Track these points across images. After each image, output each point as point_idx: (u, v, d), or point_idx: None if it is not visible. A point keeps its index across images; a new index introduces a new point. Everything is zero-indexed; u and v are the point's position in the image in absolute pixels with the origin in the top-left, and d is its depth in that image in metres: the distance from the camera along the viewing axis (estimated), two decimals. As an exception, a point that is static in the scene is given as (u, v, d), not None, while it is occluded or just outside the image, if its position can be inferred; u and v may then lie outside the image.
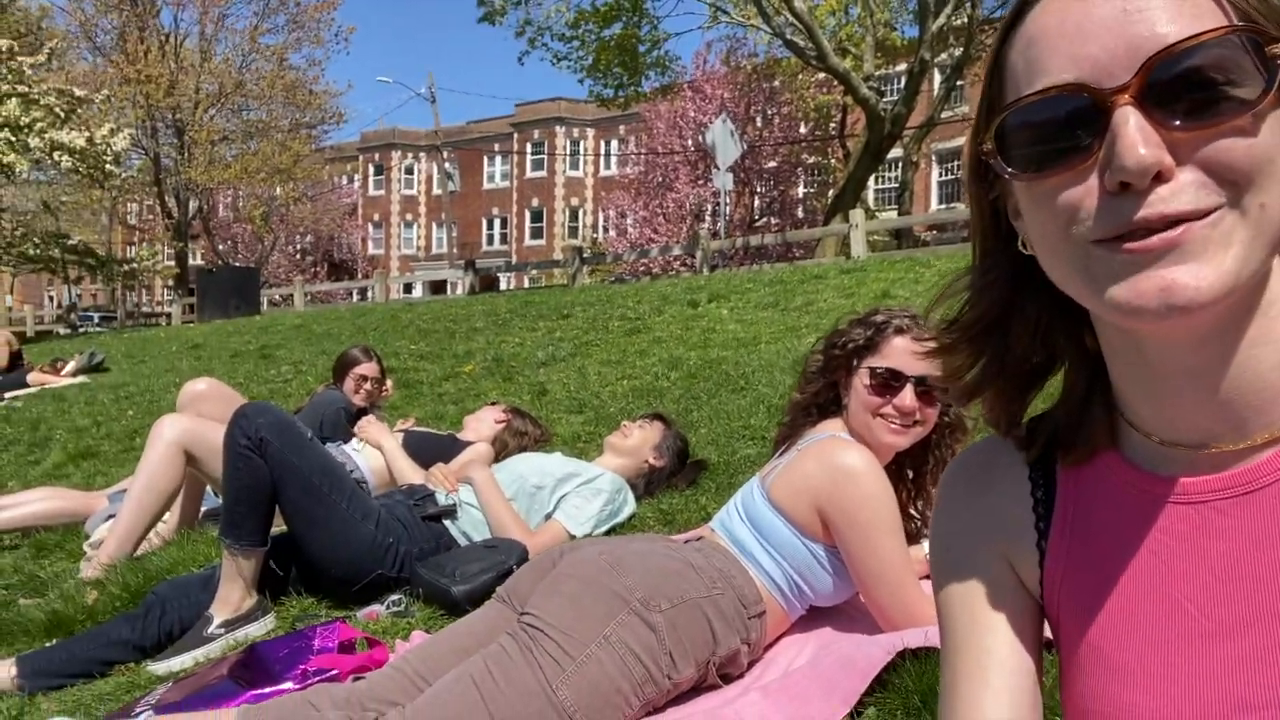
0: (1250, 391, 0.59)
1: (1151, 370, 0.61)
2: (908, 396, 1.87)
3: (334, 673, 1.92)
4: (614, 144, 37.23)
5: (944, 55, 17.93)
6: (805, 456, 1.90)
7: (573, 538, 2.67)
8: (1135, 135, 0.52)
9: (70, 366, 9.30)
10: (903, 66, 20.41)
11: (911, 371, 1.88)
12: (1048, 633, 0.72)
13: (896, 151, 19.29)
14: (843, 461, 1.83)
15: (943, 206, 27.33)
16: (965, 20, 17.02)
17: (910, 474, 2.07)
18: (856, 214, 12.63)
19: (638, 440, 3.03)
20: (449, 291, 26.97)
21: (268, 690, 1.84)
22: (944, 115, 20.74)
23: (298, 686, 1.85)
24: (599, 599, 1.68)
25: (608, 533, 2.72)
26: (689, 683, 1.72)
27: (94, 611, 2.63)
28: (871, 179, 20.59)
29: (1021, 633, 0.71)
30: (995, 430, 0.73)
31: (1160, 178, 0.52)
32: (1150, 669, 0.61)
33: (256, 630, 2.40)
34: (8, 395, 8.30)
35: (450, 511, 2.73)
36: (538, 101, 38.81)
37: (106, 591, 2.69)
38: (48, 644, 2.49)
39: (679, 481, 2.99)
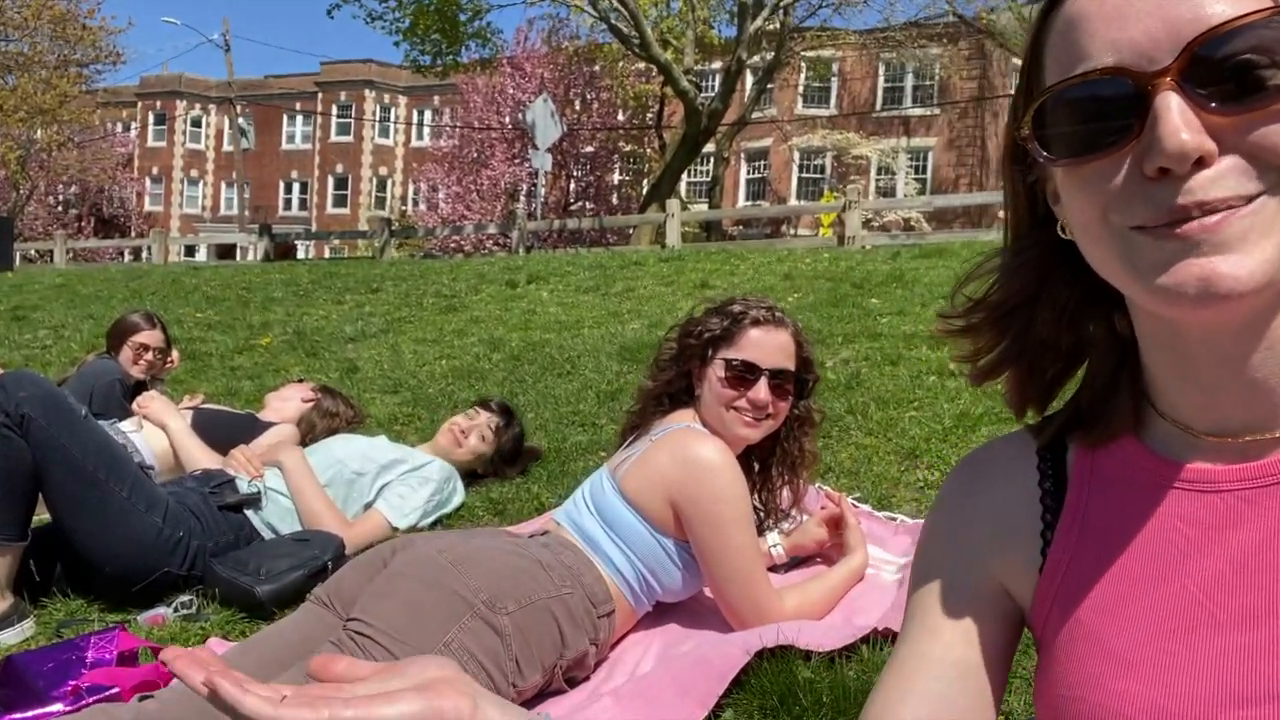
0: None
1: (1187, 357, 0.60)
2: (762, 390, 1.84)
3: (114, 690, 1.64)
4: (428, 114, 35.88)
5: (757, 58, 18.57)
6: (658, 448, 1.82)
7: (395, 530, 2.47)
8: (1176, 120, 0.51)
9: None
10: (718, 64, 21.00)
11: (767, 364, 1.85)
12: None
13: (710, 147, 19.83)
14: (697, 454, 1.77)
15: (749, 203, 28.45)
16: (778, 26, 17.72)
17: (756, 466, 2.05)
18: (673, 204, 12.85)
19: (463, 425, 2.85)
20: (239, 257, 25.07)
21: (31, 714, 1.55)
22: (754, 116, 21.60)
23: (69, 708, 1.57)
24: (439, 602, 1.53)
25: (434, 525, 2.54)
26: (534, 689, 1.60)
27: None
28: (684, 172, 21.07)
29: (975, 641, 0.69)
30: (1015, 414, 0.72)
31: (1201, 163, 0.51)
32: (1150, 657, 0.59)
33: (12, 638, 2.05)
34: None
35: (253, 500, 2.45)
36: (347, 61, 36.68)
37: None
38: None
39: (510, 470, 2.85)
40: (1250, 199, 0.51)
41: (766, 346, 1.86)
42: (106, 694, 1.63)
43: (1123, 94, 0.53)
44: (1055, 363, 0.69)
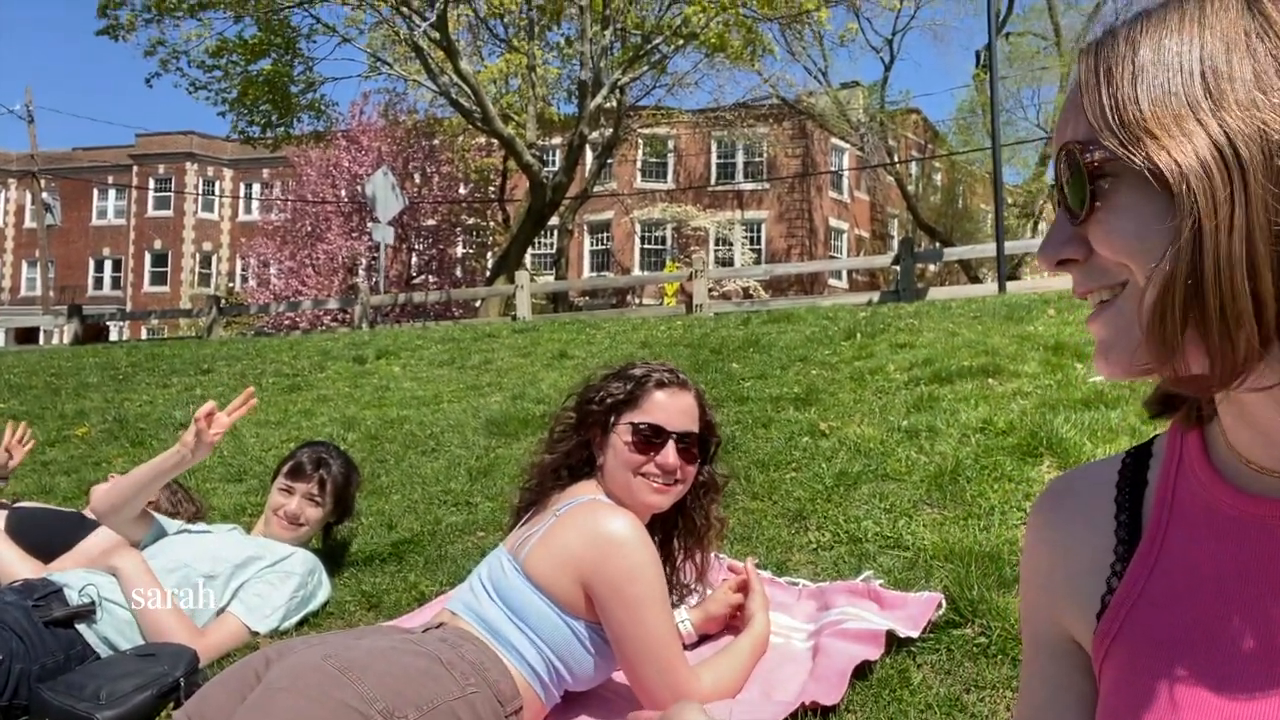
0: None
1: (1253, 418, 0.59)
2: (670, 454, 1.78)
3: None
4: (256, 187, 34.45)
5: (596, 134, 19.05)
6: (564, 525, 1.71)
7: (255, 635, 2.22)
8: None
9: None
10: (559, 140, 21.38)
11: (673, 427, 1.79)
12: None
13: (554, 220, 20.03)
14: (608, 529, 1.67)
15: (594, 274, 28.83)
16: (615, 104, 18.30)
17: (660, 538, 1.96)
18: (522, 275, 12.82)
19: (295, 510, 2.58)
20: (42, 340, 22.94)
21: None
22: (596, 189, 22.05)
23: None
24: (330, 715, 1.35)
25: (300, 625, 2.30)
26: (442, 805, 1.43)
27: None
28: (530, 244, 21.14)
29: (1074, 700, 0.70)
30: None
31: None
32: (1229, 696, 0.57)
33: None
34: None
35: (86, 612, 2.13)
36: (165, 134, 34.80)
37: None
38: None
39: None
40: None
41: (671, 409, 1.81)
42: None
43: None
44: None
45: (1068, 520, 0.72)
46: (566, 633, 1.68)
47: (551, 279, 22.17)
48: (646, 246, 28.75)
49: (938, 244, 23.77)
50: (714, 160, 29.02)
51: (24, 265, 35.13)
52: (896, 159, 27.56)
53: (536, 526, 1.78)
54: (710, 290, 14.81)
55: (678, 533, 1.95)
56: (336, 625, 2.33)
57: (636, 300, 24.52)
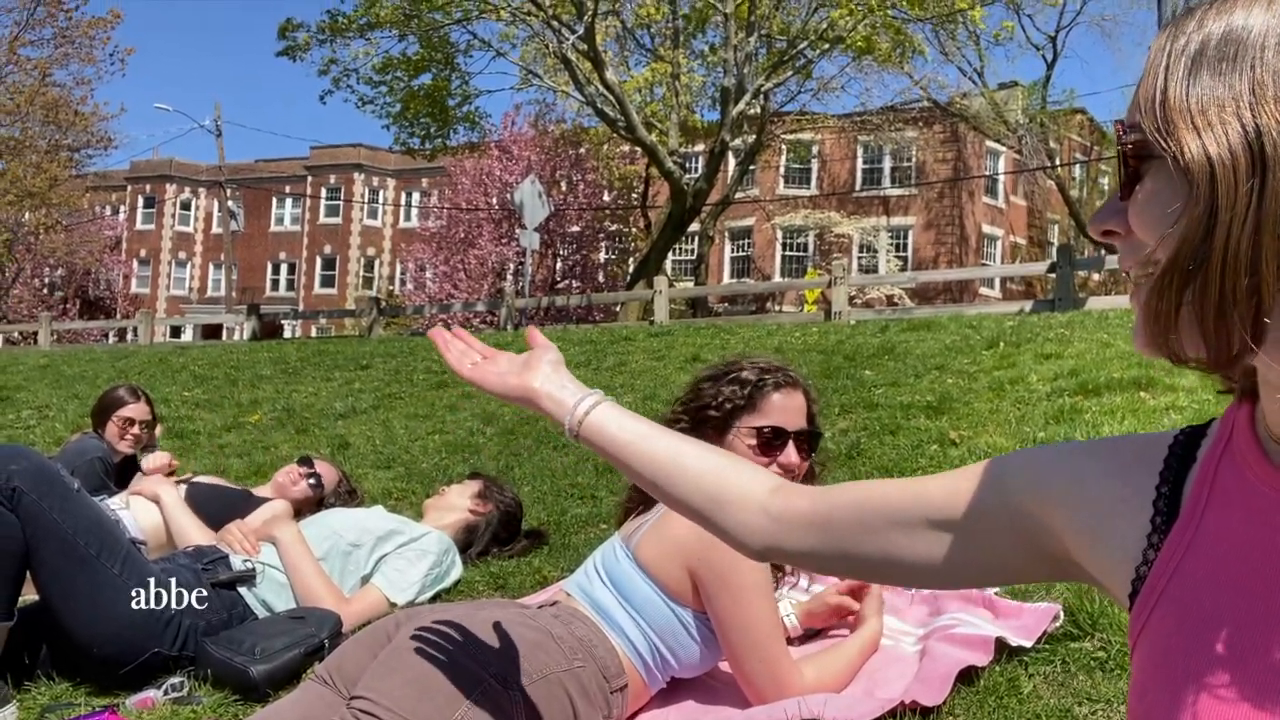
0: None
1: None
2: (792, 453, 1.84)
3: (102, 779, 1.55)
4: (415, 196, 36.40)
5: (739, 141, 19.05)
6: (675, 515, 1.78)
7: (393, 606, 2.40)
8: None
9: None
10: (701, 146, 21.51)
11: (792, 427, 1.85)
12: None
13: (694, 226, 20.17)
14: None
15: (734, 280, 28.80)
16: (759, 110, 18.25)
17: None
18: (660, 280, 12.98)
19: (454, 495, 2.82)
20: (225, 337, 25.01)
21: (10, 807, 1.46)
22: (737, 196, 22.04)
23: (53, 800, 1.48)
24: (448, 677, 1.47)
25: (433, 599, 2.47)
26: (547, 770, 1.52)
27: None
28: (670, 250, 21.39)
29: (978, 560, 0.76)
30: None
31: None
32: (1253, 677, 0.57)
33: (-10, 727, 1.95)
34: None
35: (248, 577, 2.37)
36: (336, 146, 37.32)
37: None
38: None
39: (514, 550, 2.78)
40: None
41: (789, 410, 1.86)
42: (94, 782, 1.54)
43: None
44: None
45: (1111, 474, 0.71)
46: (673, 619, 1.74)
47: (691, 285, 22.32)
48: (788, 253, 28.47)
49: (1102, 251, 22.41)
50: (859, 165, 28.41)
51: (211, 268, 38.46)
52: (1058, 162, 26.14)
53: (649, 516, 1.85)
54: (852, 298, 14.54)
55: None
56: (485, 599, 2.48)
57: (776, 307, 24.32)
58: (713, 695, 1.83)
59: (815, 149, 27.95)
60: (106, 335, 27.27)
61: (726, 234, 28.88)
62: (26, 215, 27.02)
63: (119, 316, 31.29)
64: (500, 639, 1.56)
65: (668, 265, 22.77)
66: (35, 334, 18.55)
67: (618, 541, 1.86)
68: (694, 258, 24.01)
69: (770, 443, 1.82)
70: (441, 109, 17.09)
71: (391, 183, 37.15)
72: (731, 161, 21.72)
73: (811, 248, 27.97)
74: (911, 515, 0.79)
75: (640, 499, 1.94)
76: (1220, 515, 0.64)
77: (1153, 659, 0.63)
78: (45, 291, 33.92)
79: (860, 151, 28.19)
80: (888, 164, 28.02)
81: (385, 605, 2.38)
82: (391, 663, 1.50)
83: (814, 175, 28.84)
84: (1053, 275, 10.96)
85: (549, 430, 4.61)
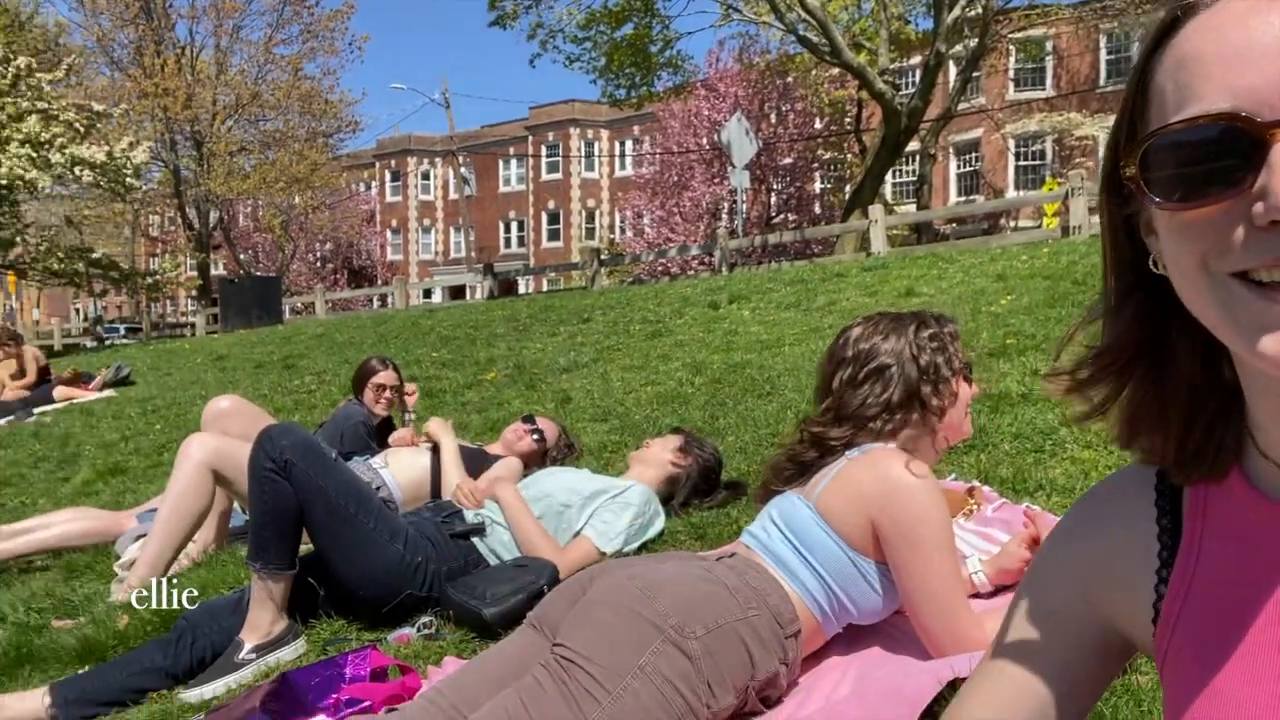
0: None
1: None
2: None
3: (367, 704, 1.89)
4: (628, 144, 37.17)
5: (959, 47, 17.76)
6: (858, 465, 1.84)
7: (603, 555, 2.63)
8: None
9: (97, 380, 9.39)
10: (917, 59, 20.26)
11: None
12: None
13: (914, 145, 19.14)
14: (900, 473, 1.78)
15: (961, 199, 27.11)
16: (980, 11, 16.86)
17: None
18: (876, 209, 12.53)
19: (657, 449, 3.00)
20: (468, 296, 27.04)
21: (300, 723, 1.82)
22: (960, 108, 20.60)
23: (331, 719, 1.82)
24: (632, 627, 1.64)
25: (640, 549, 2.68)
26: (729, 711, 1.67)
27: (125, 636, 2.61)
28: (889, 173, 20.47)
29: (1064, 675, 0.72)
30: (1158, 462, 0.68)
31: None
32: (1266, 705, 0.58)
33: (288, 655, 2.38)
34: (36, 411, 8.38)
35: (479, 529, 2.69)
36: (551, 104, 38.80)
37: (137, 616, 2.68)
38: (80, 670, 2.47)
39: (714, 502, 2.94)
40: None
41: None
42: (361, 706, 1.88)
43: (1237, 142, 0.51)
44: (1206, 401, 0.65)
45: (1108, 522, 0.72)
46: (852, 569, 1.82)
47: (913, 209, 21.28)
48: (1021, 164, 26.33)
49: None
50: (1103, 58, 25.55)
51: (451, 232, 41.57)
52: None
53: (829, 469, 1.92)
54: (1093, 209, 13.25)
55: None
56: (668, 551, 2.68)
57: (1011, 224, 22.64)
58: (896, 645, 1.89)
59: (1049, 45, 25.45)
60: (370, 301, 30.31)
61: (951, 149, 27.15)
62: (296, 198, 30.42)
63: (379, 283, 34.73)
64: (679, 591, 1.71)
65: (887, 189, 21.84)
66: (313, 304, 21.06)
67: (796, 494, 1.94)
68: (915, 179, 22.84)
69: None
70: (644, 57, 17.28)
71: (605, 134, 38.12)
72: (952, 71, 20.30)
73: (1049, 155, 25.69)
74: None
75: (791, 463, 2.00)
76: (1216, 545, 0.64)
77: (1177, 688, 0.64)
78: (318, 265, 38.22)
79: (1103, 41, 25.34)
80: (1136, 50, 24.97)
81: (596, 554, 2.62)
82: (584, 615, 1.70)
83: (1049, 74, 26.32)
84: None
85: (755, 379, 4.71)
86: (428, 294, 29.02)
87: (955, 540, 1.82)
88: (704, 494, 2.96)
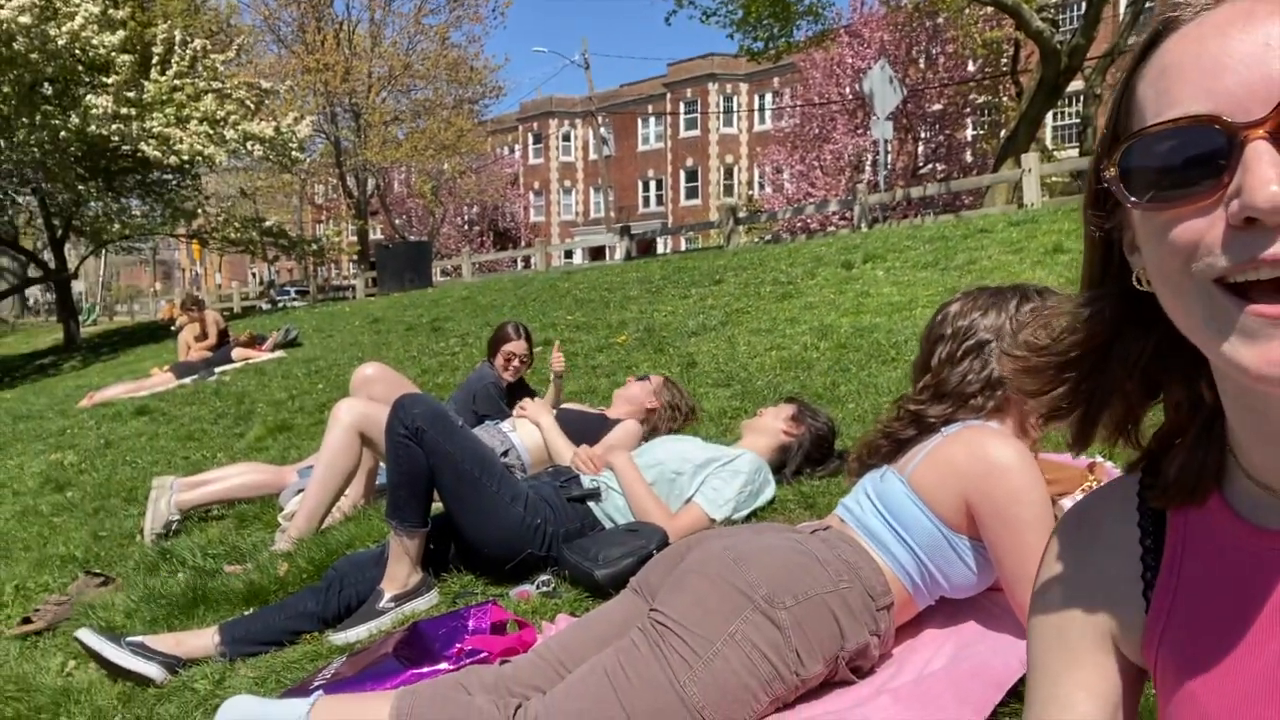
0: None
1: (1269, 424, 0.59)
2: None
3: (484, 654, 2.05)
4: (768, 98, 36.42)
5: (1130, -25, 16.35)
6: (952, 442, 1.83)
7: (713, 521, 2.71)
8: (1269, 171, 0.51)
9: (270, 342, 10.22)
10: (1082, -9, 18.79)
11: None
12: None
13: (1076, 85, 17.86)
14: (996, 451, 1.76)
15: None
16: (1155, -66, 15.44)
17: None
18: (1029, 158, 11.84)
19: (770, 417, 3.03)
20: (607, 256, 27.46)
21: (425, 670, 2.00)
22: (1130, 42, 19.00)
23: (452, 666, 2.00)
24: (724, 596, 1.71)
25: (749, 517, 2.74)
26: (818, 679, 1.72)
27: (285, 583, 2.91)
28: (1050, 116, 19.18)
29: (1106, 707, 0.73)
30: (1073, 451, 0.73)
31: None
32: None
33: (422, 605, 2.60)
34: (217, 370, 9.22)
35: (595, 494, 2.82)
36: (689, 59, 38.42)
37: (295, 564, 2.97)
38: (245, 612, 2.79)
39: (828, 470, 2.96)
40: None
41: None
42: (479, 657, 2.04)
43: (1213, 142, 0.53)
44: (1125, 407, 0.69)
45: (1095, 545, 0.72)
46: (944, 545, 1.82)
47: (1076, 154, 19.91)
48: (1200, 100, 24.06)
49: None
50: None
51: (591, 192, 42.18)
52: None
53: (924, 445, 1.92)
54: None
55: None
56: (777, 519, 2.73)
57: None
58: (994, 621, 1.88)
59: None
60: (514, 263, 31.27)
61: (1119, 88, 25.10)
62: (445, 164, 31.59)
63: (523, 244, 35.77)
64: (770, 562, 1.76)
65: (1047, 134, 20.46)
66: (460, 267, 21.97)
67: (891, 469, 1.95)
68: (1079, 121, 21.32)
69: None
70: (783, 6, 16.78)
71: (744, 88, 37.48)
72: (1122, 3, 18.73)
73: (1234, 88, 23.36)
74: None
75: (887, 440, 1.98)
76: (1197, 564, 0.65)
77: (1167, 699, 0.65)
78: (466, 228, 39.72)
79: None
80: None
81: (705, 520, 2.70)
82: (680, 582, 1.78)
83: None
84: None
85: (881, 343, 4.64)
86: (568, 255, 29.67)
87: (1051, 520, 1.79)
88: (817, 462, 2.98)
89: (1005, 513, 1.73)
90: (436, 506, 2.70)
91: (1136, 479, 0.73)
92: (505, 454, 3.50)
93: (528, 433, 3.70)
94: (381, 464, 3.78)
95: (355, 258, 28.34)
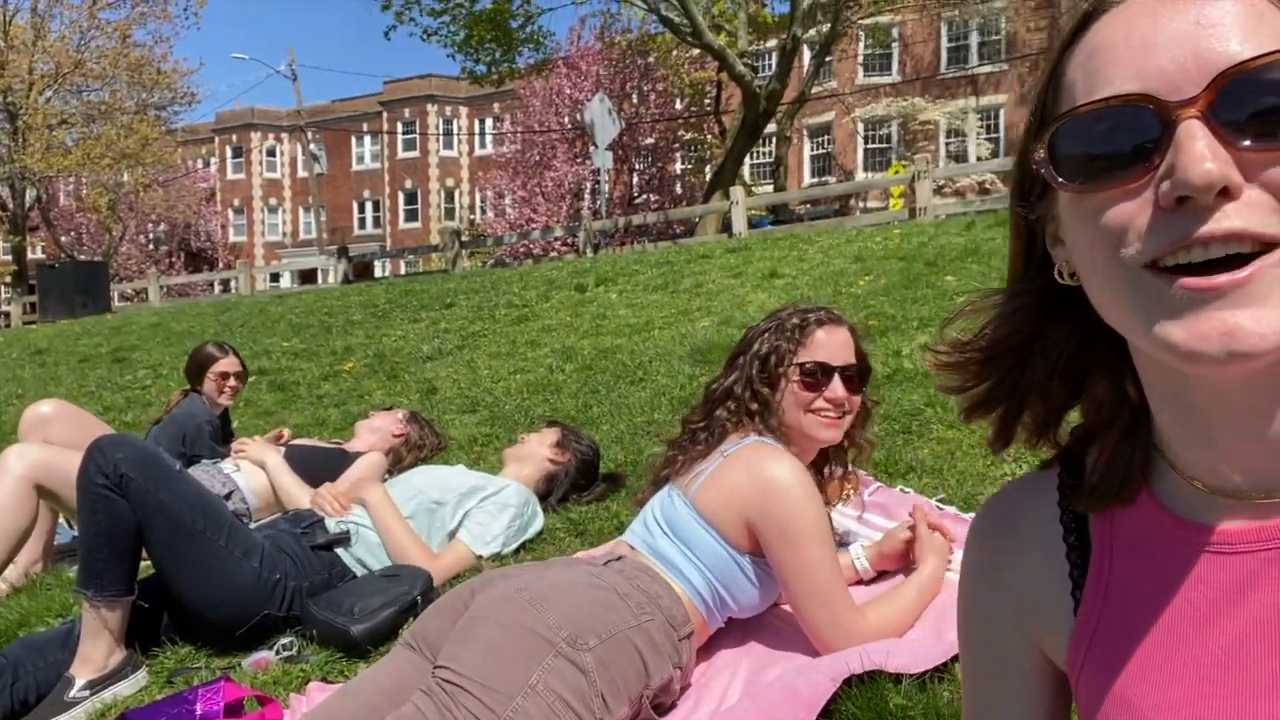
0: None
1: (1197, 414, 0.57)
2: (839, 387, 1.88)
3: (222, 743, 1.71)
4: (489, 122, 36.36)
5: (812, 32, 18.24)
6: (732, 464, 1.81)
7: (479, 559, 2.51)
8: (1201, 148, 0.49)
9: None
10: (774, 43, 20.69)
11: (836, 362, 1.87)
12: None
13: (771, 127, 19.56)
14: (772, 472, 1.76)
15: (814, 181, 27.99)
16: (832, -3, 17.35)
17: (826, 469, 2.03)
18: (737, 191, 12.73)
19: (534, 444, 2.90)
20: (320, 280, 25.87)
21: (145, 773, 1.63)
22: (814, 91, 21.21)
23: (181, 764, 1.64)
24: (522, 643, 1.54)
25: (517, 550, 2.57)
26: (622, 723, 1.60)
27: (-70, 680, 2.29)
28: (747, 156, 20.85)
29: (1041, 710, 0.71)
30: (993, 450, 0.71)
31: (1227, 194, 0.49)
32: None
33: (126, 689, 2.15)
34: None
35: (343, 538, 2.51)
36: (407, 79, 37.42)
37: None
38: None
39: (593, 496, 2.86)
40: (1275, 245, 0.49)
41: (832, 345, 1.90)
42: (216, 746, 1.70)
43: (1144, 121, 0.51)
44: (1046, 406, 0.67)
45: (1017, 547, 0.70)
46: (731, 564, 1.79)
47: (770, 190, 21.81)
48: (870, 146, 27.42)
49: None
50: (944, 45, 26.88)
51: (301, 212, 39.59)
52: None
53: (706, 466, 1.88)
54: (941, 187, 13.97)
55: (829, 458, 2.02)
56: (548, 550, 2.58)
57: (860, 205, 23.59)
58: (781, 640, 1.87)
59: (895, 32, 26.54)
60: (211, 286, 28.53)
61: (804, 132, 27.96)
62: (125, 175, 28.19)
63: (221, 266, 32.72)
64: (570, 601, 1.62)
65: (745, 171, 22.24)
66: (146, 290, 19.59)
67: (675, 491, 1.89)
68: (772, 160, 23.40)
69: (815, 377, 1.87)
70: (505, 32, 16.88)
71: (464, 111, 37.16)
72: (806, 55, 20.85)
73: (895, 139, 26.86)
74: None
75: (680, 450, 1.97)
76: (1127, 565, 0.63)
77: (1091, 702, 0.63)
78: (151, 247, 35.65)
79: (944, 29, 26.64)
80: (975, 40, 26.43)
81: (471, 558, 2.49)
82: (468, 633, 1.58)
83: (895, 60, 27.47)
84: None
85: (626, 364, 4.66)
86: (275, 278, 27.56)
87: (832, 532, 1.82)
88: (582, 489, 2.88)
89: (786, 531, 1.74)
90: (145, 566, 2.26)
91: (1054, 475, 0.70)
92: (228, 497, 3.05)
93: (254, 472, 3.26)
94: (64, 521, 3.17)
95: (9, 279, 24.37)
